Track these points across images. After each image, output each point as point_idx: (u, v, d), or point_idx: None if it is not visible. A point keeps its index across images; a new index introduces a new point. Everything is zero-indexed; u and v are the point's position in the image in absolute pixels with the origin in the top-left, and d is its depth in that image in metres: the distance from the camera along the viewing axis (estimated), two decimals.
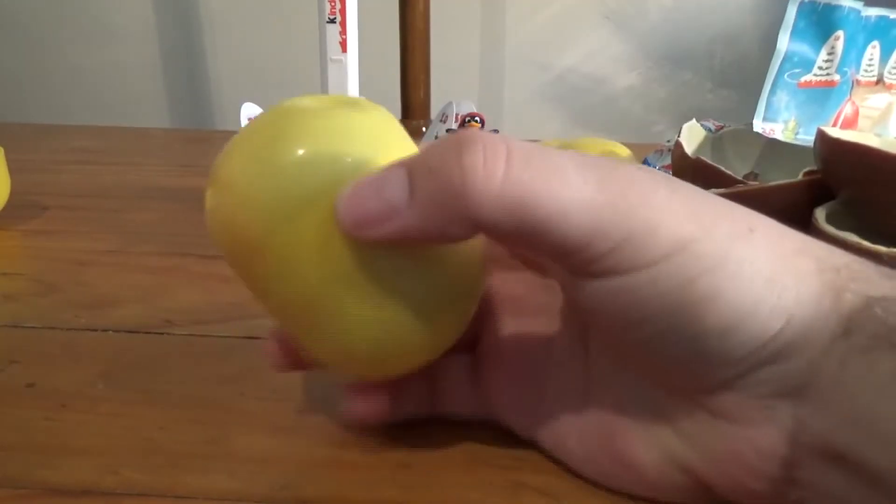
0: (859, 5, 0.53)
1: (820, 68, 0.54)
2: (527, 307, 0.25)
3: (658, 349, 0.19)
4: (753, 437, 0.19)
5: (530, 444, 0.25)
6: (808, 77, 0.54)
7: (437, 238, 0.19)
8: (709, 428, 0.20)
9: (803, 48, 0.53)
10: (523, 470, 0.24)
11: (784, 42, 0.52)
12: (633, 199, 0.18)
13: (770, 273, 0.18)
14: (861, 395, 0.17)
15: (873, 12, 0.54)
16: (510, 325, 0.25)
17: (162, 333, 0.33)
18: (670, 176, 0.20)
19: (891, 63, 0.57)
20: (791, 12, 0.51)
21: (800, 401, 0.18)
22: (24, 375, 0.29)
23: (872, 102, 0.56)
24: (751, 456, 0.19)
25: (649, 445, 0.21)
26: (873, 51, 0.56)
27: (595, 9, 1.04)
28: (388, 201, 0.18)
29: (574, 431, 0.23)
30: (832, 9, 0.52)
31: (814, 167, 0.36)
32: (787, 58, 0.53)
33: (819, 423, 0.18)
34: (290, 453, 0.24)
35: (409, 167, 0.19)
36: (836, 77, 0.54)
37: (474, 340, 0.26)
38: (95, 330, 0.33)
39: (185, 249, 0.44)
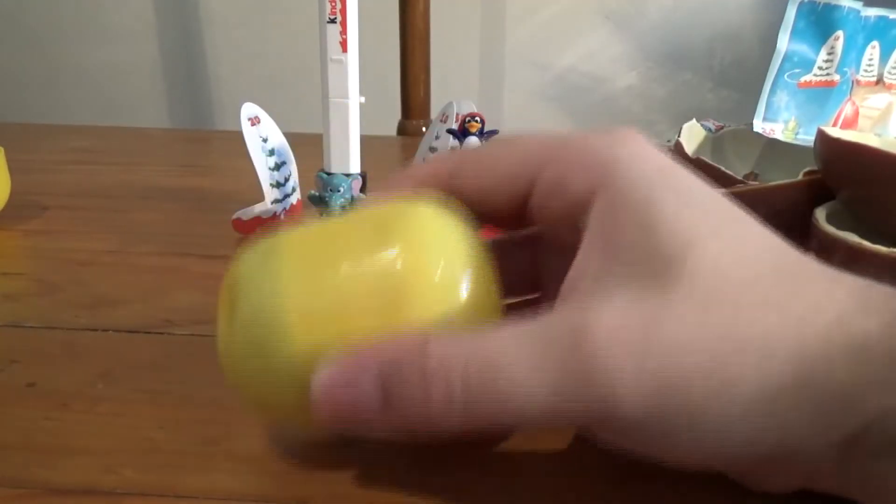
0: (859, 5, 0.53)
1: (820, 68, 0.54)
2: None
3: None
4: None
5: (529, 444, 0.25)
6: (807, 77, 0.54)
7: (408, 435, 0.21)
8: None
9: (803, 48, 0.53)
10: (523, 471, 0.24)
11: (784, 42, 0.52)
12: (590, 391, 0.19)
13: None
14: None
15: (873, 12, 0.54)
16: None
17: (162, 333, 0.33)
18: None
19: (890, 63, 0.57)
20: (791, 12, 0.52)
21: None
22: (24, 375, 0.29)
23: (872, 102, 0.56)
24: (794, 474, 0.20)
25: None
26: (873, 51, 0.56)
27: (595, 9, 1.04)
28: (362, 404, 0.20)
29: None
30: (832, 9, 0.52)
31: (814, 167, 0.36)
32: (787, 58, 0.53)
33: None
34: (291, 453, 0.24)
35: (380, 371, 0.20)
36: (836, 77, 0.54)
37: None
38: (95, 330, 0.33)
39: (185, 249, 0.44)
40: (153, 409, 0.27)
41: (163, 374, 0.29)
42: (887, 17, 0.55)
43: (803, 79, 0.54)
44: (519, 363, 0.19)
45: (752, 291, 0.18)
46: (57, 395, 0.28)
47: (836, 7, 0.52)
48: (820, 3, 0.52)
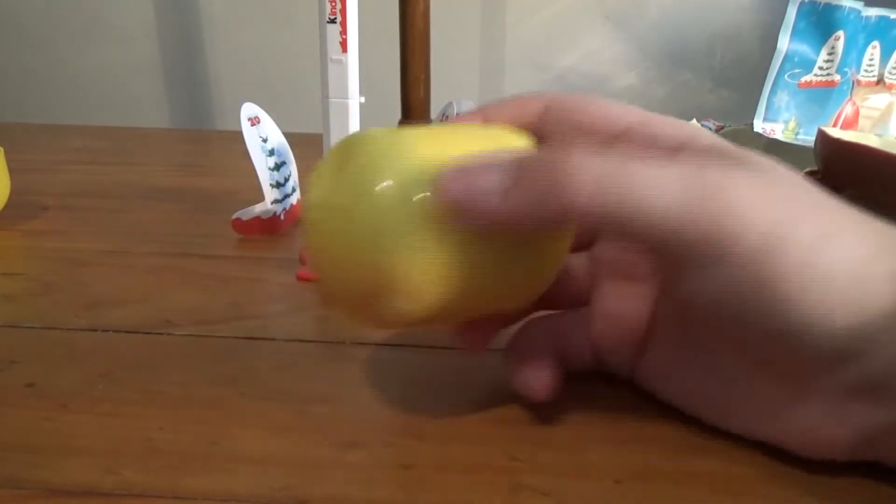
0: (860, 5, 0.53)
1: (820, 68, 0.54)
2: (634, 272, 0.26)
3: (745, 339, 0.21)
4: (829, 427, 0.21)
5: (530, 445, 0.25)
6: (808, 77, 0.54)
7: (529, 226, 0.21)
8: (791, 408, 0.22)
9: (803, 48, 0.53)
10: (523, 470, 0.24)
11: (784, 42, 0.52)
12: (713, 209, 0.20)
13: (845, 280, 0.20)
14: None
15: (873, 12, 0.54)
16: (615, 288, 0.26)
17: (162, 334, 0.33)
18: (760, 172, 0.22)
19: (891, 63, 0.56)
20: (791, 12, 0.52)
21: (874, 400, 0.20)
22: (24, 375, 0.29)
23: (873, 102, 0.56)
24: (826, 438, 0.22)
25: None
26: (874, 51, 0.56)
27: (595, 9, 1.04)
28: (492, 183, 0.21)
29: (670, 375, 0.26)
30: (832, 9, 0.52)
31: (814, 167, 0.36)
32: (788, 58, 0.53)
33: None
34: (291, 454, 0.24)
35: (515, 157, 0.21)
36: (837, 77, 0.54)
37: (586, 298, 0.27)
38: (95, 330, 0.33)
39: (185, 249, 0.44)
40: (153, 410, 0.27)
41: (163, 374, 0.29)
42: (888, 17, 0.55)
43: (804, 79, 0.54)
44: (653, 168, 0.20)
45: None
46: (56, 395, 0.28)
47: (837, 7, 0.52)
48: (820, 3, 0.52)
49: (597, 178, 0.20)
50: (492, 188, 0.20)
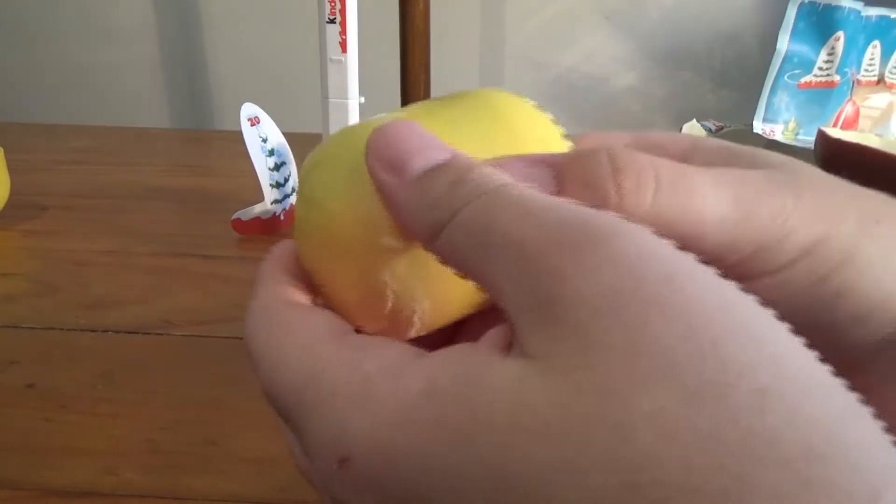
0: (860, 5, 0.53)
1: (820, 69, 0.54)
2: None
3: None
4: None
5: None
6: (808, 78, 0.54)
7: None
8: None
9: (803, 49, 0.53)
10: None
11: (784, 43, 0.52)
12: (763, 214, 0.19)
13: (892, 271, 0.19)
14: None
15: (874, 12, 0.54)
16: None
17: (161, 334, 0.33)
18: (801, 170, 0.21)
19: (891, 63, 0.57)
20: (791, 13, 0.52)
21: None
22: (24, 376, 0.29)
23: (873, 102, 0.56)
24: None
25: None
26: (874, 51, 0.56)
27: (595, 9, 1.04)
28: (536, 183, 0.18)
29: None
30: (832, 9, 0.52)
31: (814, 167, 0.36)
32: (787, 58, 0.53)
33: None
34: (290, 455, 0.24)
35: (558, 170, 0.19)
36: (837, 77, 0.54)
37: None
38: (95, 330, 0.33)
39: (184, 249, 0.44)
40: (153, 410, 0.27)
41: (162, 375, 0.29)
42: (889, 17, 0.55)
43: (803, 79, 0.54)
44: (703, 181, 0.19)
45: None
46: (56, 396, 0.28)
47: (837, 7, 0.52)
48: (820, 3, 0.52)
49: (655, 171, 0.19)
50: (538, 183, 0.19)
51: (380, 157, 0.17)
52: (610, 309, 0.12)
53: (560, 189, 0.18)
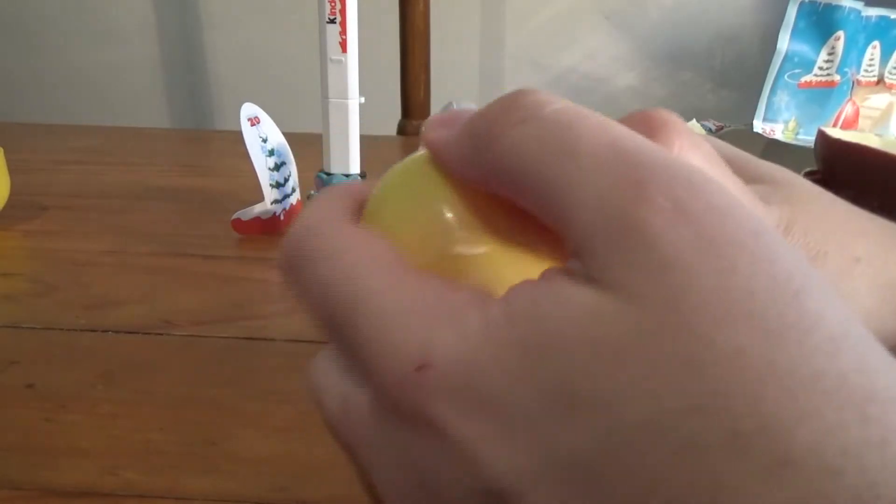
0: (860, 5, 0.53)
1: (820, 69, 0.54)
2: None
3: None
4: None
5: None
6: (808, 77, 0.54)
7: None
8: None
9: (803, 48, 0.53)
10: None
11: (784, 42, 0.52)
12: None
13: (871, 306, 0.19)
14: None
15: (874, 12, 0.54)
16: None
17: (161, 334, 0.33)
18: (795, 193, 0.21)
19: (891, 63, 0.57)
20: (791, 12, 0.52)
21: None
22: (24, 376, 0.29)
23: (873, 102, 0.56)
24: None
25: None
26: (874, 51, 0.56)
27: (595, 9, 1.04)
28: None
29: None
30: (832, 9, 0.52)
31: (814, 167, 0.36)
32: (788, 58, 0.53)
33: None
34: (290, 454, 0.24)
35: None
36: (837, 77, 0.54)
37: None
38: (95, 330, 0.33)
39: (184, 249, 0.44)
40: (153, 410, 0.27)
41: (162, 375, 0.29)
42: (888, 17, 0.55)
43: (803, 79, 0.54)
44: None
45: None
46: (56, 396, 0.28)
47: (837, 7, 0.52)
48: (821, 3, 0.52)
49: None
50: None
51: (431, 126, 0.16)
52: (701, 251, 0.12)
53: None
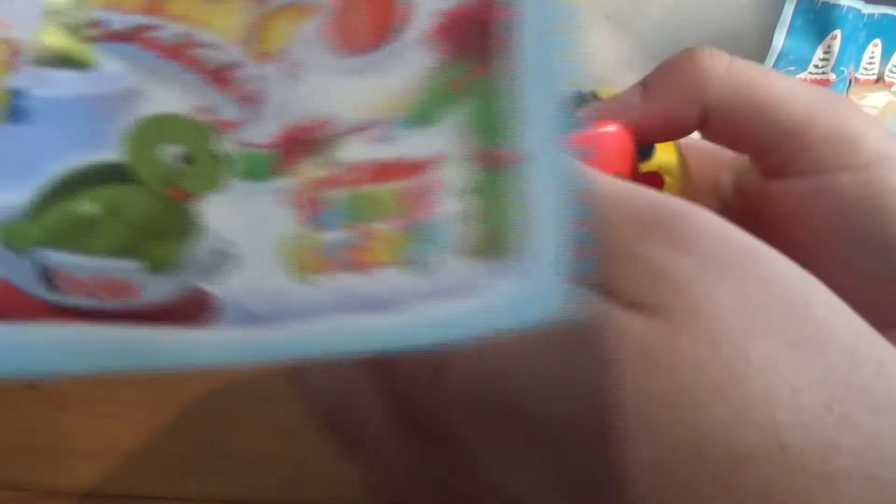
0: (860, 4, 0.53)
1: (815, 66, 0.54)
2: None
3: (848, 261, 0.19)
4: None
5: None
6: (803, 75, 0.54)
7: (665, 125, 0.21)
8: None
9: (799, 46, 0.53)
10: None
11: (780, 40, 0.52)
12: (840, 107, 0.19)
13: None
14: None
15: (875, 10, 0.54)
16: None
17: None
18: None
19: (892, 61, 0.56)
20: (788, 10, 0.52)
21: None
22: (23, 377, 0.29)
23: (871, 101, 0.56)
24: None
25: None
26: (874, 49, 0.56)
27: (595, 9, 1.04)
28: (622, 103, 0.21)
29: None
30: (830, 7, 0.52)
31: None
32: (783, 55, 0.53)
33: None
34: (291, 456, 0.24)
35: (643, 82, 0.22)
36: (832, 76, 0.54)
37: None
38: None
39: None
40: (153, 410, 0.27)
41: (162, 376, 0.29)
42: (891, 15, 0.55)
43: (798, 77, 0.54)
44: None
45: None
46: (56, 396, 0.28)
47: (835, 6, 0.52)
48: (818, 1, 0.52)
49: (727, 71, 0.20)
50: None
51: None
52: (708, 272, 0.12)
53: (644, 90, 0.22)
